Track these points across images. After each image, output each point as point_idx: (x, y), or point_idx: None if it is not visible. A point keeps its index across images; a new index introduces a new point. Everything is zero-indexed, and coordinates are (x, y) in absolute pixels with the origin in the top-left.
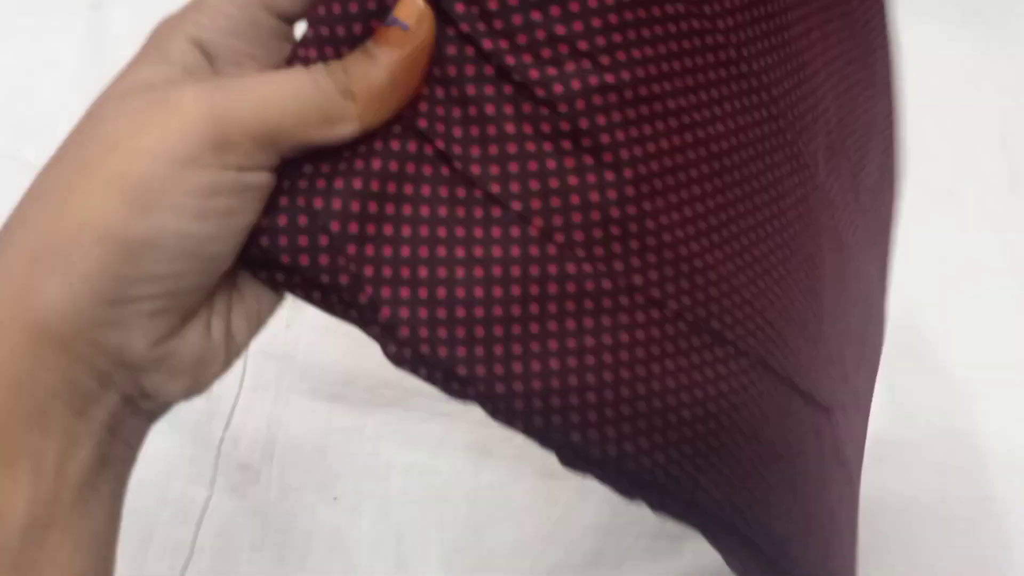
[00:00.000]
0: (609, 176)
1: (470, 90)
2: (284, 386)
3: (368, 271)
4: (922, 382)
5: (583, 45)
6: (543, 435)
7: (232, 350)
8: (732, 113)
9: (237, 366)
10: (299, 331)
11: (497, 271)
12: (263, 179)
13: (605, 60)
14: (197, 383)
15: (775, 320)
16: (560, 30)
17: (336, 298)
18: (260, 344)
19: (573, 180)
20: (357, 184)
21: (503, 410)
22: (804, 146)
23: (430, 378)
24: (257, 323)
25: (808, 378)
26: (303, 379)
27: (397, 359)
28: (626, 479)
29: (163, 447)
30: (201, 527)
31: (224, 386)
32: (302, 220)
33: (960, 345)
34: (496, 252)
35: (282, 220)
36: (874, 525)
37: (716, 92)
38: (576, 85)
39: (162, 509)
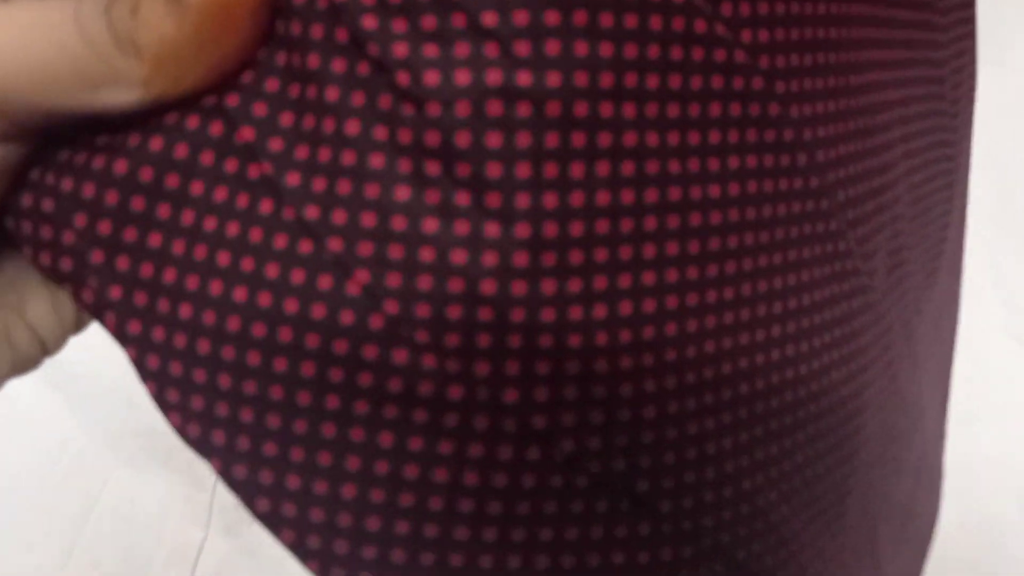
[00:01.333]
0: (490, 231)
1: (312, 61)
2: None
3: (114, 293)
4: None
5: (489, 20)
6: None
7: (30, 343)
8: (740, 172)
9: None
10: None
11: (285, 335)
12: None
13: (522, 49)
14: None
15: (763, 499)
16: None
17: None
18: None
19: (430, 225)
20: (119, 168)
21: (266, 524)
22: (856, 245)
23: (179, 433)
24: (75, 313)
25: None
26: None
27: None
28: None
29: (157, 488)
30: (197, 568)
31: None
32: (47, 205)
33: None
34: (290, 307)
35: (26, 200)
36: None
37: (718, 134)
38: (462, 79)
39: (158, 550)
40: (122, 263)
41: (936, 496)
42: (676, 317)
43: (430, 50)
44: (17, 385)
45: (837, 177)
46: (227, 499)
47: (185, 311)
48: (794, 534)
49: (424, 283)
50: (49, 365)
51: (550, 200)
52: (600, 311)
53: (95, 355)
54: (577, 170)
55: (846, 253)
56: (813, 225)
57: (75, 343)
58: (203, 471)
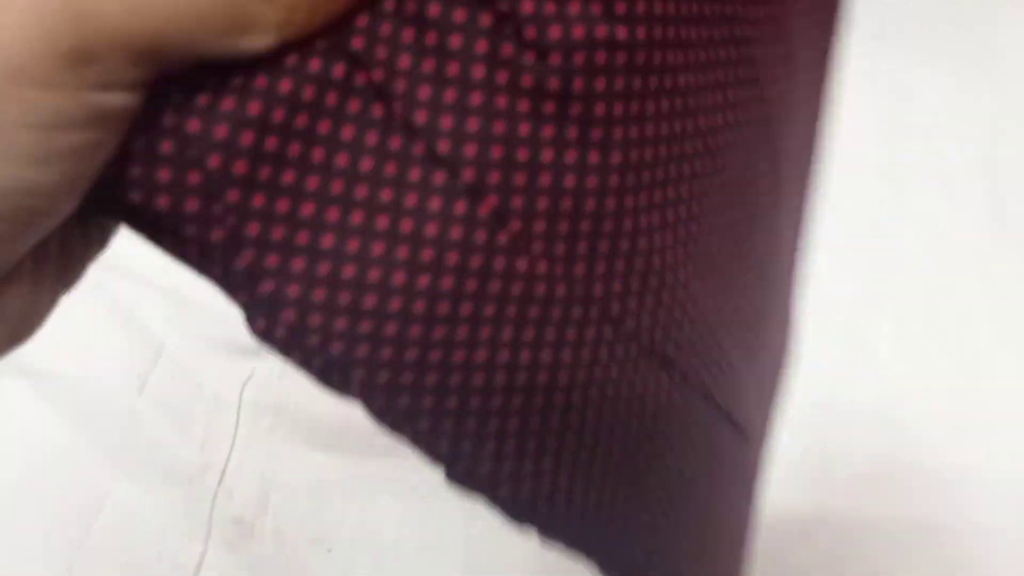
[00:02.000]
0: (593, 158)
1: (432, 10)
2: (278, 437)
3: (252, 230)
4: (908, 413)
5: None
6: (439, 457)
7: (58, 294)
8: (733, 103)
9: (230, 419)
10: (292, 382)
11: (427, 255)
12: (130, 101)
13: (620, 8)
14: (16, 336)
15: (725, 342)
16: None
17: (196, 251)
18: (253, 395)
19: (547, 155)
20: (254, 109)
21: (393, 425)
22: (780, 143)
23: (304, 364)
24: (84, 256)
25: (741, 408)
26: (296, 430)
27: (264, 335)
28: (513, 506)
29: (157, 502)
30: None
31: (218, 438)
32: (166, 147)
33: (945, 377)
34: (430, 231)
35: (136, 144)
36: (862, 549)
37: (723, 74)
38: (579, 33)
39: (157, 564)
40: (258, 200)
41: (784, 363)
42: None
43: (550, 8)
44: (16, 398)
45: (771, 79)
46: (226, 512)
47: (326, 241)
48: (727, 360)
49: (542, 203)
50: (49, 379)
51: (635, 131)
52: None
53: (95, 368)
54: (638, 109)
55: (775, 152)
56: (760, 126)
57: (75, 356)
58: (202, 484)
